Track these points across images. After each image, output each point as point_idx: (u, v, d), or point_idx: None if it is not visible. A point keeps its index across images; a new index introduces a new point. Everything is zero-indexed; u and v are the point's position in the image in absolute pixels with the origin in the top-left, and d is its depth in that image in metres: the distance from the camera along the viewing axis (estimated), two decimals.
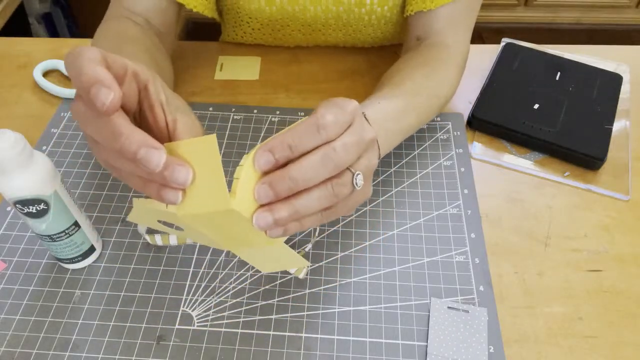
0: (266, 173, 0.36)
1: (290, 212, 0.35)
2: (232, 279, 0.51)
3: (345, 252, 0.53)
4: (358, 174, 0.38)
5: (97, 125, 0.31)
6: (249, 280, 0.51)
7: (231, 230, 0.37)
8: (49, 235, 0.47)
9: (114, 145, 0.31)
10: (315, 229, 0.54)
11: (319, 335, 0.47)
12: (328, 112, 0.36)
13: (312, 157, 0.35)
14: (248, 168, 0.35)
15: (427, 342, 0.47)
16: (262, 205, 0.35)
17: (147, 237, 0.53)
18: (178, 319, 0.48)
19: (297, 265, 0.44)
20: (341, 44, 0.75)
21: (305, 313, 0.49)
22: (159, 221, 0.42)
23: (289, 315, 0.49)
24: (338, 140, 0.36)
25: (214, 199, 0.33)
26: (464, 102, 0.68)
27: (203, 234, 0.39)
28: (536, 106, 0.65)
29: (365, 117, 0.48)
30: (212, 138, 0.32)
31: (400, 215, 0.56)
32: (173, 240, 0.52)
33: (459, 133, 0.64)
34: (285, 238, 0.39)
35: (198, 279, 0.51)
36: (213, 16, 0.70)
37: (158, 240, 0.53)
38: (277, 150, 0.35)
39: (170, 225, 0.44)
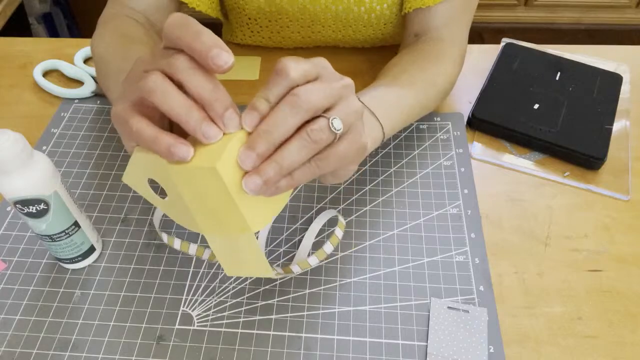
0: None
1: (275, 169, 0.36)
2: (232, 279, 0.51)
3: (345, 252, 0.53)
4: (334, 118, 0.38)
5: (197, 77, 0.35)
6: (249, 280, 0.51)
7: (212, 202, 0.37)
8: (49, 235, 0.47)
9: (209, 95, 0.35)
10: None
11: (319, 335, 0.47)
12: (287, 58, 0.37)
13: (279, 105, 0.36)
14: (235, 139, 0.35)
15: (427, 342, 0.47)
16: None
17: (165, 238, 0.51)
18: (178, 319, 0.48)
19: (261, 273, 0.42)
20: (340, 45, 0.75)
21: (305, 313, 0.49)
22: (150, 184, 0.41)
23: (289, 315, 0.49)
24: (302, 86, 0.37)
25: (207, 159, 0.35)
26: (464, 102, 0.68)
27: (184, 207, 0.39)
28: (536, 106, 0.65)
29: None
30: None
31: (400, 215, 0.56)
32: (192, 250, 0.51)
33: (459, 133, 0.64)
34: (257, 235, 0.38)
35: (198, 279, 0.51)
36: (217, 16, 0.70)
37: (177, 244, 0.50)
38: (258, 104, 0.36)
39: (164, 196, 0.43)
